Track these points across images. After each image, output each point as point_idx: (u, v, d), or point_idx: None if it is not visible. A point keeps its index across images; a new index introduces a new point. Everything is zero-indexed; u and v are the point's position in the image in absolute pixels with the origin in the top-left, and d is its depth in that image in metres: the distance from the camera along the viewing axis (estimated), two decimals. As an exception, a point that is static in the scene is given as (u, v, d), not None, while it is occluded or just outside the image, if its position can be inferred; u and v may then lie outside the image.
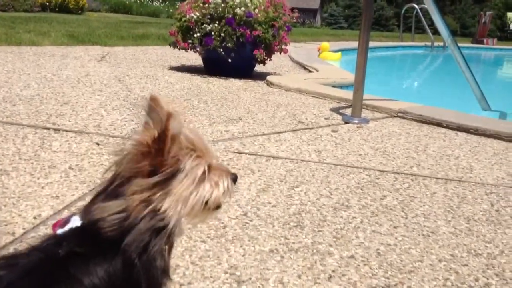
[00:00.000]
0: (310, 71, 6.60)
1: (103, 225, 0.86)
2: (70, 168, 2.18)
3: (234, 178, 1.05)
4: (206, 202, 0.97)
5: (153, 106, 0.93)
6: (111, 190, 0.90)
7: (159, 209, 0.90)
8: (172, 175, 0.92)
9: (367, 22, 3.55)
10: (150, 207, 0.89)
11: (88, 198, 1.87)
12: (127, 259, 0.85)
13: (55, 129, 2.74)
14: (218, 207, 1.01)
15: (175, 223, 0.92)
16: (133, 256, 0.86)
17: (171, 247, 0.95)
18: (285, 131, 3.15)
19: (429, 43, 14.69)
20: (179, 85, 4.54)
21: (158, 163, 0.90)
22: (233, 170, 2.31)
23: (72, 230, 0.87)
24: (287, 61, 7.67)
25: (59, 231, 0.87)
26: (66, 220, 0.89)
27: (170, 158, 0.91)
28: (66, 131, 2.74)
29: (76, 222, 0.89)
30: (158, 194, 0.90)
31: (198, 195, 0.95)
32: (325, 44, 9.00)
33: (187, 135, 0.95)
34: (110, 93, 3.86)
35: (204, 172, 0.95)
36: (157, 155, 0.89)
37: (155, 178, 0.90)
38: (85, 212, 0.90)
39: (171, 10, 23.11)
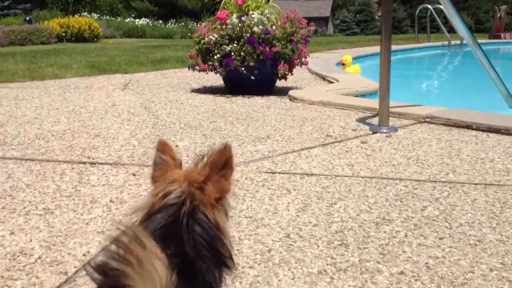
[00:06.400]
0: (330, 82, 6.60)
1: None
2: (111, 201, 2.22)
3: None
4: None
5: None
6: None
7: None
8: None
9: (387, 31, 3.54)
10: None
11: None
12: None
13: (91, 163, 2.80)
14: None
15: None
16: None
17: None
18: (314, 146, 3.16)
19: (445, 42, 14.59)
20: (204, 108, 4.59)
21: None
22: (269, 191, 2.32)
23: None
24: (306, 73, 7.69)
25: None
26: None
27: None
28: (102, 164, 2.79)
29: None
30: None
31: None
32: (347, 56, 8.66)
33: None
34: (139, 122, 3.92)
35: None
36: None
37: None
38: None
39: (184, 31, 23.42)
